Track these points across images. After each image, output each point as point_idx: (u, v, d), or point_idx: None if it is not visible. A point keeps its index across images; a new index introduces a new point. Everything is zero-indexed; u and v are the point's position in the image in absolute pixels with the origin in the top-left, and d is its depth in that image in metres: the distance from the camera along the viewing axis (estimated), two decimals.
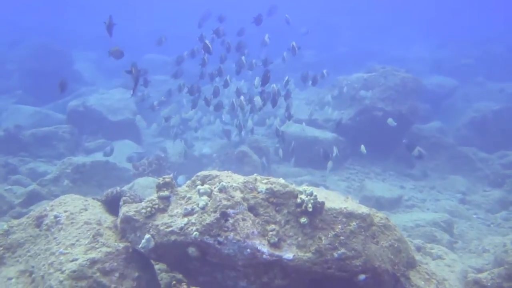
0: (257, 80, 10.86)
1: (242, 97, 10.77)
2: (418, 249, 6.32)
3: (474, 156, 13.70)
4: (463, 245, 7.76)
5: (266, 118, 13.71)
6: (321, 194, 4.87)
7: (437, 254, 6.25)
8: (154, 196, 4.46)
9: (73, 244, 3.73)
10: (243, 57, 10.60)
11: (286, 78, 10.75)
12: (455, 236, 8.52)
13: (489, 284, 4.52)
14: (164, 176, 4.53)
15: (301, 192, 4.54)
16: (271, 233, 4.31)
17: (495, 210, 10.31)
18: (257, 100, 10.53)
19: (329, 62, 25.70)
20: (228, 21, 11.27)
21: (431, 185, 12.06)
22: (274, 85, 9.91)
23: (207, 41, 10.07)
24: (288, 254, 4.20)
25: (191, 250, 4.10)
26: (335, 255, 4.26)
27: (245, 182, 4.56)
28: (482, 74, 23.22)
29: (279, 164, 12.20)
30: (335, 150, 11.07)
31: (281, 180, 4.73)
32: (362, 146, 10.49)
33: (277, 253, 4.17)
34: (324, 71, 11.37)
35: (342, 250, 4.29)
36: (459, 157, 13.49)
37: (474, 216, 9.97)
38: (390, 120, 11.40)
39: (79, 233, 3.85)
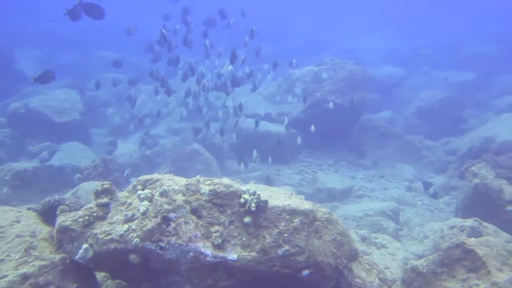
0: (226, 65, 11.17)
1: (204, 80, 11.05)
2: (363, 239, 6.52)
3: (420, 144, 14.27)
4: (408, 232, 8.09)
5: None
6: (265, 193, 4.92)
7: (381, 243, 6.47)
8: (93, 203, 4.33)
9: (2, 260, 3.56)
10: (207, 41, 10.82)
11: (242, 57, 11.00)
12: (401, 224, 8.86)
13: (424, 270, 4.73)
14: (102, 183, 4.41)
15: (244, 192, 4.56)
16: (215, 234, 4.30)
17: (438, 196, 10.78)
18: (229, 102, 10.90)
19: (285, 54, 25.87)
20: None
21: (381, 174, 12.47)
22: (231, 66, 10.11)
23: (163, 30, 10.09)
24: (233, 254, 4.21)
25: (132, 257, 4.02)
26: (279, 252, 4.32)
27: (187, 185, 4.52)
28: (429, 64, 24.14)
29: (233, 160, 12.20)
30: (286, 121, 11.45)
31: (225, 180, 4.72)
32: (312, 126, 10.94)
33: (221, 254, 4.17)
34: (294, 61, 11.59)
35: (286, 247, 4.35)
36: (407, 146, 14.00)
37: (419, 202, 10.40)
38: (330, 105, 11.85)
39: (9, 248, 3.68)
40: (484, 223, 6.37)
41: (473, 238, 4.96)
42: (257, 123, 11.63)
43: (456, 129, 15.50)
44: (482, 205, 7.64)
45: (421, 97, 17.74)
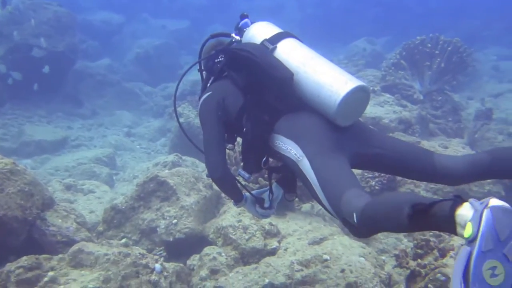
0: None
1: None
2: (69, 188, 6.21)
3: (140, 91, 14.54)
4: (123, 175, 8.19)
5: None
6: None
7: (89, 188, 6.33)
8: None
9: None
10: None
11: None
12: (118, 168, 8.91)
13: (123, 207, 4.86)
14: None
15: None
16: None
17: (156, 139, 11.34)
18: None
19: None
20: None
21: (100, 122, 12.13)
22: None
23: None
24: None
25: None
26: None
27: None
28: (147, 11, 24.36)
29: None
30: None
31: None
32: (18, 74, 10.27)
33: None
34: None
35: None
36: (126, 93, 14.02)
37: (138, 146, 10.68)
38: (36, 51, 11.08)
39: None
40: (184, 157, 7.02)
41: (167, 171, 5.37)
42: None
43: (174, 75, 16.35)
44: (185, 141, 8.37)
45: (139, 44, 17.92)
